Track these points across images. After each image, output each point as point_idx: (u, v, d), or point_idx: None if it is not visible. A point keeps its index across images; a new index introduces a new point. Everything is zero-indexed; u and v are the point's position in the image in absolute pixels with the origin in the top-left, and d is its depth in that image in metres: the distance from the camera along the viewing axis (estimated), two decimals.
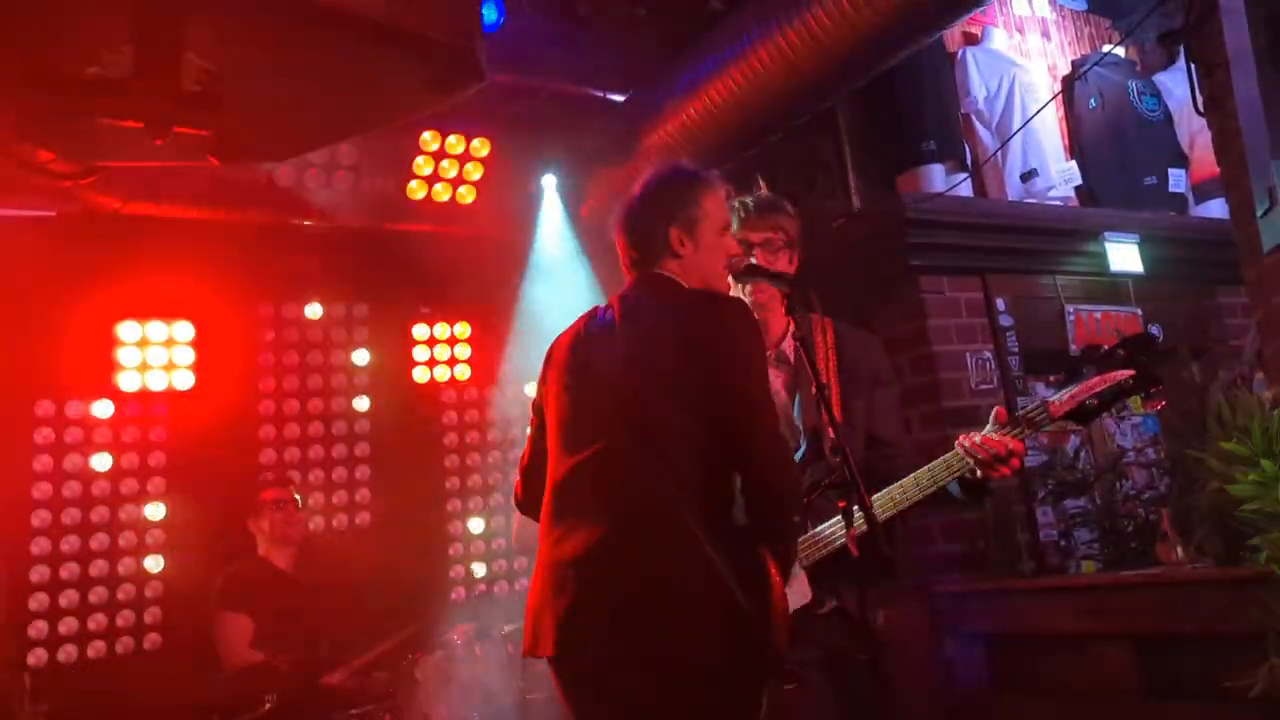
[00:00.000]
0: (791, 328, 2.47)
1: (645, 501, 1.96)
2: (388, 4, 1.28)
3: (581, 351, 2.20)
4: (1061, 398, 2.28)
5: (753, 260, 2.41)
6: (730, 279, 2.36)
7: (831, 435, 2.31)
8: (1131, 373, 2.22)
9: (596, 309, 2.27)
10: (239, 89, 1.31)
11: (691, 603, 1.89)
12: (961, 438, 2.29)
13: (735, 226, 2.47)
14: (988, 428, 2.30)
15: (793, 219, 2.61)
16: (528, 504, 2.29)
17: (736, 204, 2.53)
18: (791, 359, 2.53)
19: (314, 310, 5.06)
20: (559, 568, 2.01)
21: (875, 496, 2.25)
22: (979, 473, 2.26)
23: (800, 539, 2.30)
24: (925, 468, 2.33)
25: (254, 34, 1.23)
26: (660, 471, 1.96)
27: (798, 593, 2.20)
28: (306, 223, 4.63)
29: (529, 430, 2.35)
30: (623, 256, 2.28)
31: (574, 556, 1.98)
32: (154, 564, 4.48)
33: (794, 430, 2.47)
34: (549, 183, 4.96)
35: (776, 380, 2.49)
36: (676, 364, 2.02)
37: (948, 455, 2.31)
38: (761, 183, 2.72)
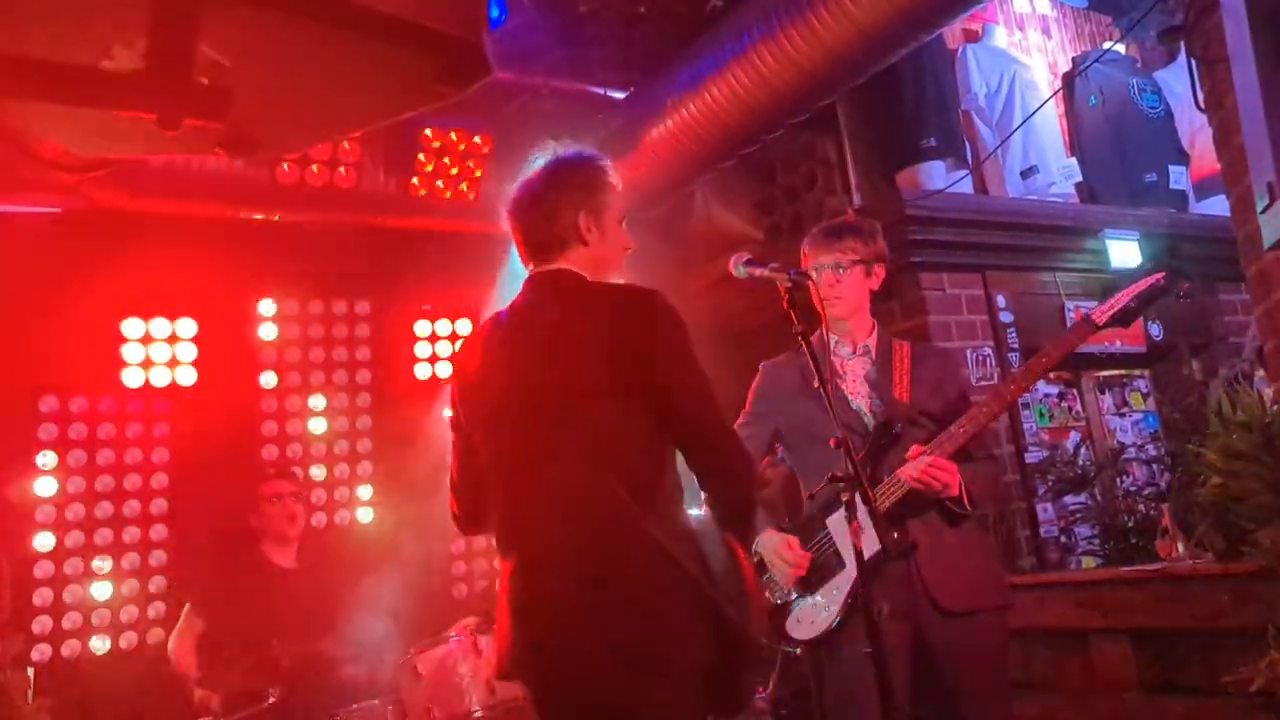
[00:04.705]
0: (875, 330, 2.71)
1: (596, 508, 1.93)
2: None
3: (496, 365, 2.10)
4: (1103, 306, 2.48)
5: (748, 257, 2.40)
6: (732, 269, 2.38)
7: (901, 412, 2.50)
8: (1163, 275, 2.46)
9: (499, 316, 2.17)
10: (248, 82, 1.32)
11: (658, 601, 1.87)
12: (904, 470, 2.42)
13: (805, 249, 2.69)
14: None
15: (867, 237, 2.70)
16: (465, 521, 2.25)
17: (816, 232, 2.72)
18: (875, 353, 2.66)
19: (316, 306, 5.08)
20: (521, 585, 1.99)
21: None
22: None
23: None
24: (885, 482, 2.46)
25: (265, 27, 1.24)
26: (604, 476, 1.93)
27: (869, 543, 2.20)
28: (309, 219, 4.64)
29: (452, 448, 2.26)
30: (523, 244, 2.18)
31: (534, 569, 1.97)
32: (157, 559, 4.50)
33: (856, 417, 2.57)
34: None
35: (858, 368, 2.66)
36: (607, 365, 1.97)
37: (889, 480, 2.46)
38: (850, 211, 2.81)
